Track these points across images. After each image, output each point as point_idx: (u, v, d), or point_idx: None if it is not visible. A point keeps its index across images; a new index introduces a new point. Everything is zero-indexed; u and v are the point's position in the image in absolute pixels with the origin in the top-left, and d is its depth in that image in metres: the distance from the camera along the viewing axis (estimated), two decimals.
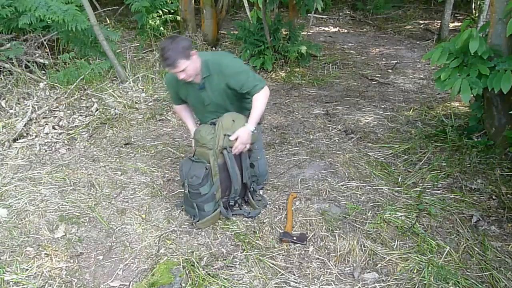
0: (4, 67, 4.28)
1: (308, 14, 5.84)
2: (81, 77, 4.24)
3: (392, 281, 2.01)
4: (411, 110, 3.97)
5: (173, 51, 2.16)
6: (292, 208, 2.51)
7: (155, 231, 2.36)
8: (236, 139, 2.30)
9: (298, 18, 5.55)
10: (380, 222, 2.40)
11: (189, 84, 2.40)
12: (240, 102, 2.52)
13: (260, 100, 2.37)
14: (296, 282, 2.00)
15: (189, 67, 2.24)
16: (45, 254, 2.18)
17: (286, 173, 2.93)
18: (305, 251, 2.21)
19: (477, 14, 6.35)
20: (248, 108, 2.44)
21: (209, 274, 2.03)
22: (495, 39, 2.85)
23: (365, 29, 7.63)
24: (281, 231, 2.33)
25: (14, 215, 2.48)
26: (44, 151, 3.25)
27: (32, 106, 3.74)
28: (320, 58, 5.51)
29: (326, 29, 7.59)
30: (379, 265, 2.11)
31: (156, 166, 3.04)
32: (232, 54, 2.58)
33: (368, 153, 3.17)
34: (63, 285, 2.00)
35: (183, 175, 2.34)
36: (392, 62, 5.59)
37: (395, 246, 2.23)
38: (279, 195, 2.68)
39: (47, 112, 3.76)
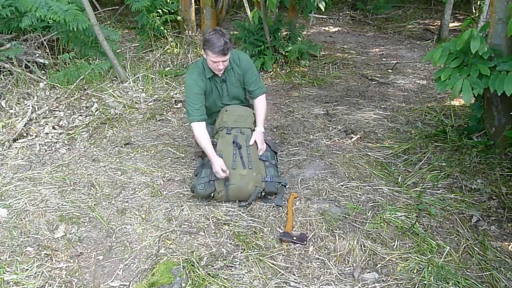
0: (4, 67, 4.28)
1: (308, 14, 5.84)
2: (81, 77, 4.25)
3: (392, 281, 2.01)
4: (411, 110, 3.97)
5: (228, 41, 2.45)
6: (293, 208, 2.51)
7: (155, 231, 2.36)
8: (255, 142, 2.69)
9: (298, 18, 5.55)
10: (380, 222, 2.40)
11: (212, 79, 2.68)
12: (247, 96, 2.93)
13: (264, 104, 2.80)
14: (296, 282, 2.01)
15: (229, 59, 2.56)
16: (45, 254, 2.18)
17: (286, 173, 2.93)
18: (305, 251, 2.21)
19: (477, 14, 6.35)
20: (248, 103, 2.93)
21: (209, 274, 2.03)
22: (495, 39, 2.85)
23: (365, 29, 7.63)
24: (281, 231, 2.33)
25: (14, 215, 2.48)
26: (44, 151, 3.25)
27: (32, 106, 3.74)
28: (320, 58, 5.51)
29: (326, 29, 7.58)
30: (379, 265, 2.11)
31: (156, 166, 3.04)
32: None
33: (368, 153, 3.17)
34: (63, 285, 2.00)
35: None
36: (392, 62, 5.58)
37: (395, 246, 2.23)
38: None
39: (47, 112, 3.76)
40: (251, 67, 2.74)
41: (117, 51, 4.97)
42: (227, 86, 2.73)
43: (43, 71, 4.47)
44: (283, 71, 5.05)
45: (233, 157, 2.57)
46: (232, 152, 2.59)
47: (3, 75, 4.27)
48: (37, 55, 4.60)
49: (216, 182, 2.52)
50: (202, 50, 2.55)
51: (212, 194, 2.55)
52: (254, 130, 2.76)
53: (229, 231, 2.35)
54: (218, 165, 2.49)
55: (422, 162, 3.01)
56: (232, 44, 2.51)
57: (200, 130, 2.60)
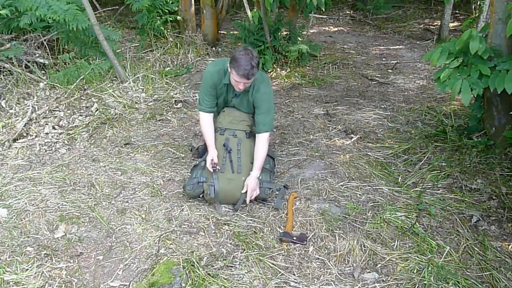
0: (4, 67, 4.28)
1: (308, 14, 5.84)
2: (81, 77, 4.24)
3: (392, 281, 2.01)
4: (411, 110, 3.97)
5: (255, 66, 2.37)
6: (293, 208, 2.51)
7: (155, 231, 2.36)
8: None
9: (298, 18, 5.55)
10: (380, 222, 2.40)
11: (227, 86, 2.63)
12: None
13: (264, 145, 2.59)
14: (296, 282, 2.01)
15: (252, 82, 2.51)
16: (45, 254, 2.18)
17: (286, 173, 2.93)
18: (305, 251, 2.21)
19: (477, 14, 6.34)
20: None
21: (209, 274, 2.03)
22: (495, 39, 2.85)
23: (365, 29, 7.63)
24: (281, 231, 2.33)
25: (14, 215, 2.48)
26: (44, 151, 3.25)
27: (32, 106, 3.74)
28: (320, 58, 5.51)
29: (326, 29, 7.58)
30: (379, 265, 2.11)
31: (156, 166, 3.04)
32: (268, 79, 2.71)
33: (368, 153, 3.17)
34: (63, 285, 2.00)
35: None
36: (392, 62, 5.58)
37: (395, 246, 2.23)
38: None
39: (47, 112, 3.76)
40: (266, 100, 2.59)
41: (117, 51, 4.97)
42: (237, 102, 2.71)
43: (43, 71, 4.46)
44: (283, 71, 5.05)
45: (222, 160, 2.56)
46: (222, 155, 2.58)
47: (3, 75, 4.27)
48: (37, 55, 4.59)
49: (204, 184, 2.53)
50: (228, 65, 2.45)
51: (202, 195, 2.56)
52: (248, 132, 2.68)
53: (229, 231, 2.35)
54: (210, 157, 2.54)
55: (422, 162, 3.01)
56: (258, 68, 2.42)
57: (205, 120, 2.67)
